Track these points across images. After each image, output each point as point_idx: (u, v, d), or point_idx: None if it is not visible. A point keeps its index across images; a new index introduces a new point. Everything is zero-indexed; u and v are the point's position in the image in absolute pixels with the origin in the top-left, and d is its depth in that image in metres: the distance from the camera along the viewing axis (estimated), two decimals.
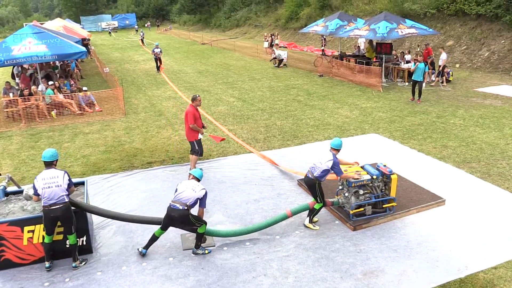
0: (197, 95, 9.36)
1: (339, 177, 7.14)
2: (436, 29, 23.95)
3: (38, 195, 6.04)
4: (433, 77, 19.20)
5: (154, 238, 6.51)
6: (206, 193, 6.37)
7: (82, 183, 7.29)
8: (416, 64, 15.29)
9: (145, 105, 16.42)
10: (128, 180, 9.35)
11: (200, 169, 6.98)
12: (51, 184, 5.98)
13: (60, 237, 6.32)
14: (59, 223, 6.14)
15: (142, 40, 44.71)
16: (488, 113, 13.64)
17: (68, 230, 6.17)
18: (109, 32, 66.90)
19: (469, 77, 19.93)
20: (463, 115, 13.54)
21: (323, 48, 28.98)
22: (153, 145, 11.70)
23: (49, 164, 6.19)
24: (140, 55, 34.09)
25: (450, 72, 18.91)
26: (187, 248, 6.63)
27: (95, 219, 7.51)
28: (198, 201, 6.29)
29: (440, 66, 18.20)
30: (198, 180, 6.53)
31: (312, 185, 7.01)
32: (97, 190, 8.83)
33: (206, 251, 6.51)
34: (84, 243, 6.54)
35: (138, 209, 7.92)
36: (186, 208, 6.18)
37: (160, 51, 24.95)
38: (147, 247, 6.52)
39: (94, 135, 12.71)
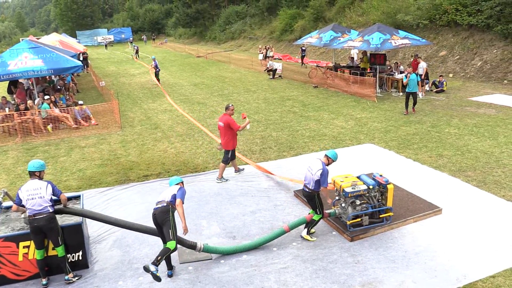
0: (230, 104, 9.73)
1: (323, 187, 6.98)
2: (429, 40, 24.21)
3: (19, 205, 6.05)
4: (427, 87, 19.36)
5: (167, 258, 6.31)
6: (181, 188, 6.34)
7: (78, 197, 7.26)
8: (408, 76, 15.17)
9: (141, 118, 16.44)
10: (124, 194, 9.32)
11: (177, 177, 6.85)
12: (35, 196, 5.98)
13: (55, 251, 6.27)
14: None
15: (136, 52, 44.54)
16: (482, 122, 13.74)
17: (55, 242, 6.11)
18: (105, 46, 67.12)
19: (463, 86, 20.09)
20: (458, 124, 13.62)
21: (302, 56, 30.39)
22: (149, 158, 11.68)
23: (32, 174, 6.19)
24: (136, 69, 34.20)
25: (444, 82, 19.07)
26: (184, 262, 6.59)
27: (91, 233, 7.47)
28: (174, 195, 6.20)
29: (421, 75, 18.29)
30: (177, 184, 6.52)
31: (312, 197, 7.01)
32: (93, 204, 8.78)
33: (157, 274, 5.91)
34: (80, 258, 6.49)
35: (136, 222, 7.86)
36: (165, 204, 6.13)
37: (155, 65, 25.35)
38: (169, 267, 6.35)
39: (90, 149, 12.69)
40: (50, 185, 6.14)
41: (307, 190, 7.03)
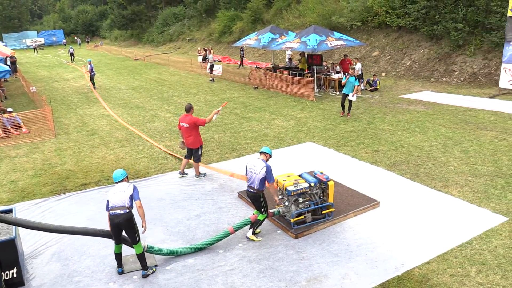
0: (191, 104, 9.90)
1: (269, 184, 7.07)
2: (362, 41, 25.28)
3: None
4: (362, 86, 20.17)
5: (119, 256, 6.30)
6: (134, 186, 6.24)
7: (10, 211, 6.82)
8: (347, 77, 14.97)
9: (76, 125, 15.74)
10: (61, 204, 8.88)
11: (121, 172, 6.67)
12: None
13: None
14: None
15: (72, 55, 42.27)
16: (413, 117, 14.55)
17: None
18: (35, 50, 63.57)
19: (395, 84, 21.17)
20: (391, 120, 14.33)
21: (241, 57, 30.76)
22: (86, 166, 11.21)
23: None
24: (70, 73, 32.71)
25: (378, 81, 19.98)
26: (129, 271, 6.39)
27: (26, 249, 7.05)
28: (132, 198, 6.13)
29: (359, 75, 19.12)
30: (122, 181, 6.38)
31: (257, 198, 7.06)
32: (27, 217, 8.26)
33: (154, 269, 6.34)
34: (15, 275, 6.09)
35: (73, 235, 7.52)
36: (127, 210, 6.00)
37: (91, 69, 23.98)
38: (119, 265, 6.36)
39: (22, 159, 11.96)
40: None
41: (252, 191, 7.07)
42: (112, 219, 6.03)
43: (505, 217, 7.54)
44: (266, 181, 7.02)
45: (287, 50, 22.60)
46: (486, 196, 8.41)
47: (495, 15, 19.62)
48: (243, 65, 30.79)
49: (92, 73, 24.11)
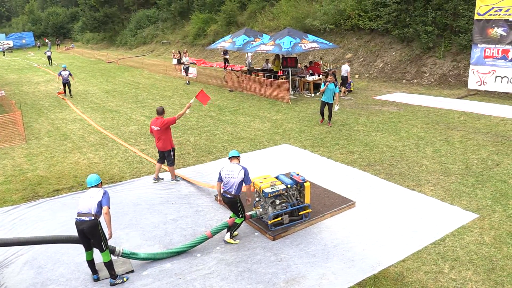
0: (163, 107, 9.83)
1: (247, 186, 7.08)
2: (335, 43, 25.62)
3: None
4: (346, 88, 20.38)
5: (91, 263, 6.19)
6: (105, 191, 6.13)
7: None
8: (326, 84, 13.89)
9: (48, 129, 15.36)
10: (33, 211, 8.64)
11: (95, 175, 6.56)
12: None
13: None
14: None
15: (49, 59, 40.76)
16: (386, 118, 14.82)
17: None
18: (3, 53, 61.75)
19: (368, 86, 21.52)
20: (365, 121, 14.56)
21: (225, 59, 30.17)
22: (59, 171, 10.96)
23: None
24: (40, 76, 31.91)
25: (351, 83, 20.27)
26: (105, 277, 6.27)
27: None
28: (100, 204, 6.00)
29: (346, 77, 19.34)
30: (96, 186, 6.28)
31: (234, 203, 7.04)
32: None
33: (124, 279, 6.21)
34: None
35: None
36: (93, 218, 5.88)
37: (70, 74, 22.04)
38: (94, 272, 6.26)
39: None
40: None
41: (229, 196, 7.03)
42: (77, 225, 5.93)
43: (475, 214, 7.76)
44: (244, 184, 7.02)
45: (247, 53, 22.72)
46: (457, 194, 8.64)
47: (463, 18, 20.22)
48: (226, 69, 30.17)
49: (64, 81, 21.84)
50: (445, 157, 10.76)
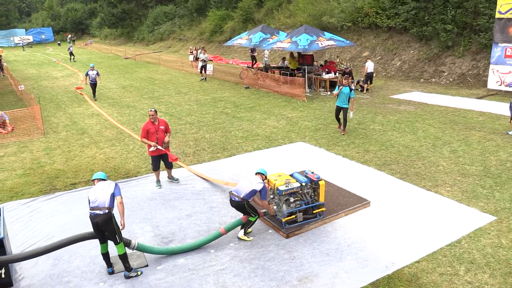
0: (150, 109, 9.15)
1: (263, 201, 7.18)
2: (352, 41, 25.39)
3: None
4: (352, 86, 20.26)
5: (106, 256, 6.28)
6: (116, 184, 6.23)
7: None
8: (340, 88, 12.81)
9: (66, 124, 15.59)
10: (50, 204, 8.79)
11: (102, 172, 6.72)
12: None
13: None
14: None
15: (71, 54, 41.18)
16: (403, 118, 14.66)
17: None
18: (22, 47, 62.79)
19: (385, 85, 21.31)
20: (381, 120, 14.42)
21: (252, 56, 29.12)
22: (76, 165, 11.12)
23: None
24: (59, 71, 32.39)
25: (367, 81, 20.08)
26: (120, 271, 6.35)
27: (14, 249, 6.97)
28: (114, 196, 6.11)
29: (364, 73, 19.33)
30: (104, 179, 6.40)
31: (242, 206, 7.03)
32: (15, 217, 8.19)
33: (139, 272, 6.28)
34: (3, 275, 6.01)
35: (61, 235, 7.43)
36: (107, 211, 5.97)
37: (97, 74, 20.25)
38: (109, 265, 6.34)
39: (10, 158, 11.82)
40: None
41: (237, 199, 7.01)
42: (92, 218, 6.03)
43: (493, 216, 7.63)
44: (258, 197, 7.11)
45: (265, 51, 22.53)
46: (474, 195, 8.51)
47: (483, 17, 19.84)
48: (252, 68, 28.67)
49: (91, 82, 20.18)
50: (462, 158, 10.60)
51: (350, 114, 13.12)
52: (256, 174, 7.35)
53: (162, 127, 9.18)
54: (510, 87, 12.78)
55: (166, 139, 9.24)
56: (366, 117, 14.99)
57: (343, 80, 13.05)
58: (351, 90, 12.66)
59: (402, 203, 8.31)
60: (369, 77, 19.53)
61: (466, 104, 16.35)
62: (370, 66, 19.31)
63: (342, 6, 27.48)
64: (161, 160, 9.43)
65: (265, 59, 26.66)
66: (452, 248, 6.69)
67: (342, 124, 13.07)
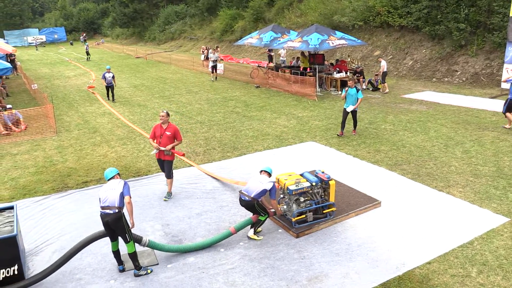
0: (162, 110, 8.66)
1: (273, 200, 7.19)
2: (364, 40, 25.24)
3: None
4: (364, 86, 20.18)
5: (117, 253, 6.35)
6: (125, 182, 6.25)
7: (11, 208, 6.82)
8: (346, 90, 12.46)
9: (78, 122, 15.74)
10: (62, 202, 8.88)
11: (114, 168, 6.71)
12: None
13: None
14: None
15: (87, 54, 41.70)
16: (415, 117, 14.53)
17: None
18: (35, 47, 63.51)
19: (396, 84, 21.14)
20: (393, 120, 14.31)
21: (269, 56, 28.60)
22: (88, 163, 11.22)
23: None
24: (71, 70, 32.70)
25: (379, 81, 19.96)
26: (130, 269, 6.40)
27: (27, 246, 7.06)
28: (122, 196, 6.14)
29: (381, 72, 19.21)
30: (113, 177, 6.43)
31: (251, 206, 7.03)
32: (28, 214, 8.30)
33: (149, 271, 6.32)
34: (16, 272, 6.09)
35: (73, 232, 7.53)
36: (117, 210, 6.02)
37: (113, 77, 19.52)
38: (120, 263, 6.40)
39: (23, 156, 11.97)
40: None
41: (247, 198, 7.00)
42: (102, 217, 6.10)
43: (506, 217, 7.53)
44: (267, 196, 7.12)
45: (281, 50, 22.35)
46: (487, 196, 8.40)
47: (497, 15, 19.58)
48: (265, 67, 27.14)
49: (107, 84, 19.52)
50: (475, 158, 10.48)
51: (349, 108, 12.47)
52: (261, 172, 7.35)
53: (168, 133, 8.55)
54: (508, 82, 13.17)
55: (168, 147, 8.54)
56: (378, 116, 14.89)
57: (348, 81, 12.68)
58: (358, 90, 12.31)
59: (413, 203, 8.24)
60: (384, 76, 19.39)
61: (479, 103, 16.15)
62: (384, 65, 19.17)
63: (353, 5, 27.33)
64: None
65: (282, 58, 26.44)
66: (464, 249, 6.62)
67: (353, 125, 12.83)
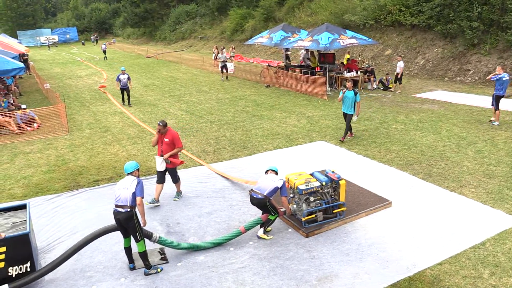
0: (159, 122, 8.42)
1: (283, 197, 7.16)
2: (375, 39, 25.09)
3: None
4: (374, 85, 20.05)
5: (129, 250, 6.42)
6: (139, 181, 6.26)
7: (24, 206, 6.91)
8: (343, 92, 12.00)
9: (89, 121, 15.88)
10: (73, 200, 8.97)
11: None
12: None
13: (1, 264, 5.94)
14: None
15: (104, 52, 42.17)
16: (426, 117, 14.40)
17: None
18: (48, 47, 64.22)
19: (407, 84, 20.97)
20: (404, 120, 14.20)
21: (286, 56, 28.18)
22: (99, 162, 11.32)
23: None
24: (83, 70, 33.01)
25: (390, 80, 19.82)
26: (141, 267, 6.44)
27: (39, 244, 7.14)
28: (134, 196, 6.15)
29: (398, 73, 18.95)
30: (132, 173, 6.42)
31: (263, 204, 7.03)
32: (41, 212, 8.39)
33: (159, 269, 6.35)
34: (28, 269, 6.16)
35: (84, 230, 7.59)
36: (129, 209, 6.07)
37: (128, 78, 18.40)
38: (131, 261, 6.46)
39: (36, 155, 12.11)
40: None
41: (259, 196, 6.99)
42: (114, 215, 6.18)
43: None
44: (280, 193, 7.12)
45: (303, 48, 22.09)
46: (500, 197, 8.30)
47: (511, 14, 19.31)
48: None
49: (122, 87, 18.42)
50: (488, 158, 10.35)
51: (354, 119, 12.14)
52: (267, 172, 7.37)
53: (166, 140, 8.38)
54: (492, 80, 13.40)
55: (165, 156, 8.37)
56: (388, 116, 14.79)
57: (347, 83, 12.17)
58: (355, 94, 11.80)
59: (425, 203, 8.16)
60: (396, 78, 19.15)
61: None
62: (399, 66, 18.93)
63: (364, 4, 27.18)
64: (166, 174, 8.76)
65: (306, 57, 25.76)
66: (476, 250, 6.54)
67: (344, 131, 12.27)
